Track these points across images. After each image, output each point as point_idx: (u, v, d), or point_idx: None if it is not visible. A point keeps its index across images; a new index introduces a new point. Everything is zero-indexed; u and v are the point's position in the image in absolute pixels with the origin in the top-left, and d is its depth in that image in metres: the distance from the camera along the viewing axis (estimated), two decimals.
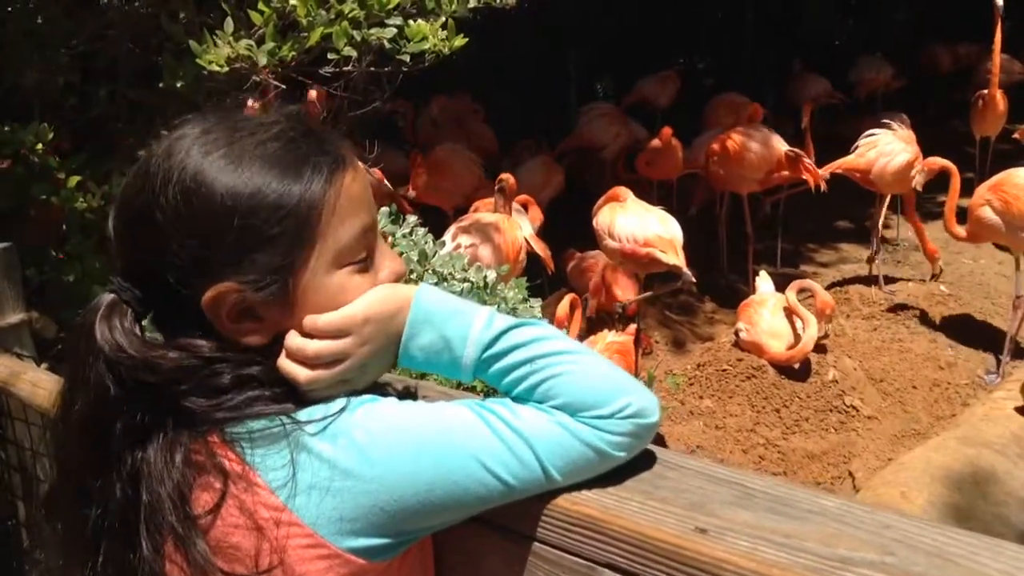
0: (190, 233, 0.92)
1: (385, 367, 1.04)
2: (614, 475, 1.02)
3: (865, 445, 3.91)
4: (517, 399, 0.99)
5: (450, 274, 2.63)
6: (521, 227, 4.34)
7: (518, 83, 7.74)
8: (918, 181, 5.10)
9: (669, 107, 7.44)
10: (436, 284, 2.56)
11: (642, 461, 1.05)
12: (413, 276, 2.48)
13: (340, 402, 0.94)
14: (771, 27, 9.79)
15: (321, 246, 0.95)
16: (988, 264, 6.02)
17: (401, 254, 2.64)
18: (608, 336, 4.31)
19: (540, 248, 4.68)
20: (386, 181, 5.13)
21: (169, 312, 0.96)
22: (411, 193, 5.10)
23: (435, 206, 5.29)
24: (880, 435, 4.01)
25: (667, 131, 5.75)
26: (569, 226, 5.38)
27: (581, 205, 4.18)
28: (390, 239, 2.68)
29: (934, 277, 5.56)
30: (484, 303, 2.46)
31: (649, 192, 6.12)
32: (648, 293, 4.00)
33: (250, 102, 3.38)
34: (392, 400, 0.97)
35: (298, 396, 0.96)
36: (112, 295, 0.96)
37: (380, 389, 1.06)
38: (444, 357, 1.00)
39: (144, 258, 0.95)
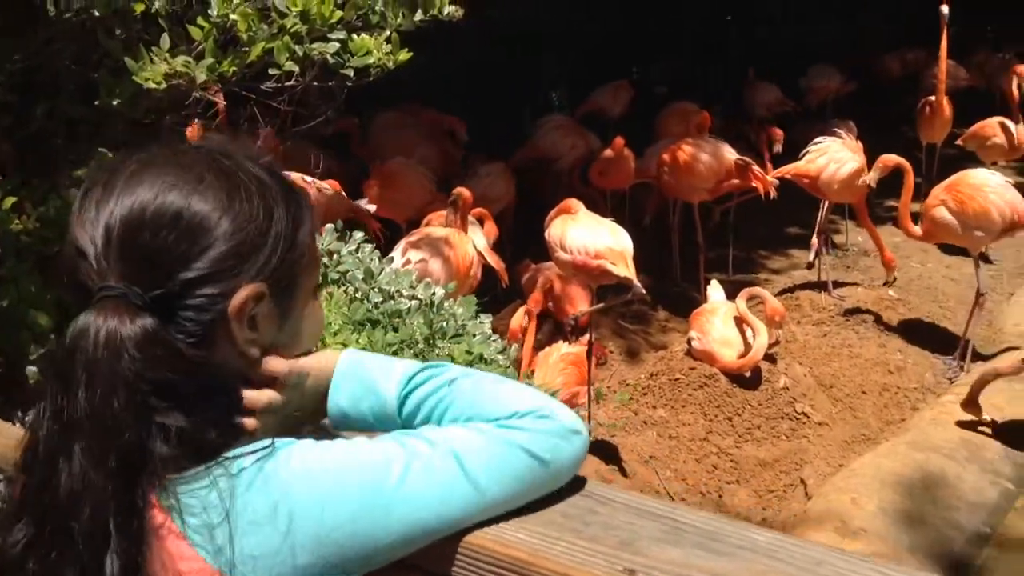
0: (235, 237, 0.94)
1: (312, 420, 1.08)
2: (545, 512, 1.01)
3: (816, 452, 3.94)
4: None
5: (397, 291, 2.61)
6: (474, 241, 4.33)
7: (471, 94, 7.72)
8: (872, 178, 5.16)
9: (623, 116, 7.48)
10: (383, 302, 2.53)
11: (573, 496, 1.05)
12: (358, 295, 2.45)
13: (264, 443, 0.93)
14: (724, 36, 9.90)
15: (313, 267, 1.04)
16: (936, 268, 6.11)
17: (347, 272, 2.61)
18: (562, 347, 4.31)
19: (494, 261, 4.67)
20: (343, 193, 5.09)
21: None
22: (372, 206, 5.06)
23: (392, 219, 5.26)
24: (831, 441, 4.04)
25: (619, 141, 5.77)
26: (525, 237, 5.38)
27: (536, 216, 4.18)
28: (335, 256, 2.65)
29: (887, 283, 5.64)
30: (431, 321, 2.44)
31: (602, 202, 6.15)
32: (600, 305, 4.00)
33: (193, 126, 3.34)
34: (310, 440, 0.97)
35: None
36: (117, 298, 0.90)
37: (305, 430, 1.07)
38: (369, 400, 1.03)
39: (161, 262, 0.92)
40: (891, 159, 5.16)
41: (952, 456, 3.94)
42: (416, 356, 2.20)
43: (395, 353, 2.14)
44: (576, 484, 1.05)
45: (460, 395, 1.01)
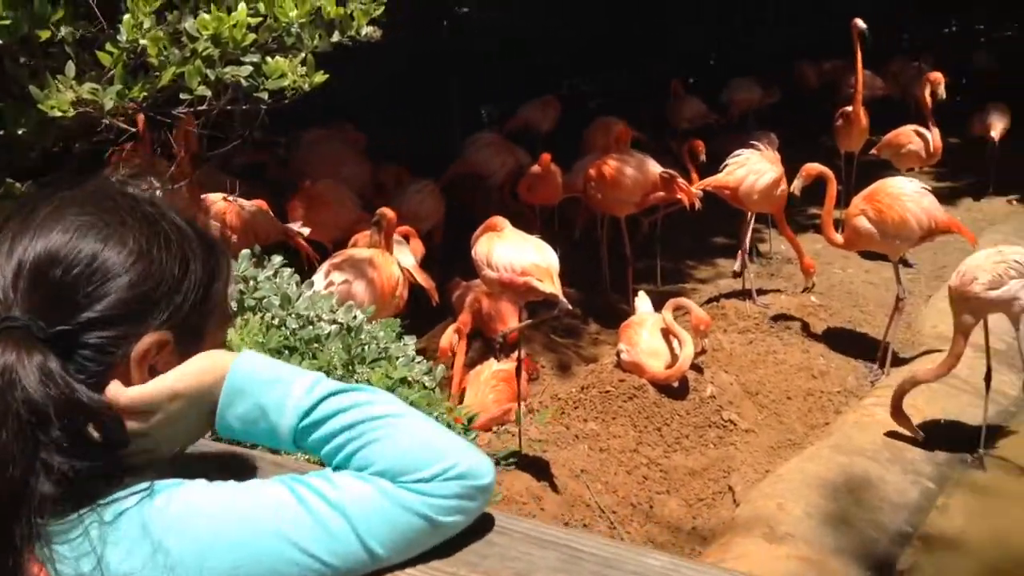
0: (147, 283, 0.94)
1: (197, 437, 1.04)
2: (444, 545, 1.01)
3: (743, 459, 4.00)
4: (338, 469, 0.99)
5: (317, 316, 2.58)
6: (400, 260, 4.31)
7: (399, 111, 7.72)
8: (796, 186, 5.28)
9: (552, 131, 7.55)
10: (301, 328, 2.50)
11: (473, 526, 1.04)
12: (275, 322, 2.42)
13: (142, 486, 0.91)
14: (651, 49, 10.06)
15: (222, 323, 1.03)
16: (856, 273, 6.27)
17: (264, 298, 2.57)
18: (493, 365, 4.32)
19: (423, 279, 4.66)
20: (271, 213, 5.02)
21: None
22: (305, 229, 5.00)
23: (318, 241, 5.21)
24: (757, 448, 4.11)
25: (546, 157, 5.82)
26: (455, 254, 5.36)
27: (467, 233, 4.17)
28: (251, 283, 2.61)
29: (806, 290, 5.77)
30: (349, 346, 2.42)
31: (532, 217, 6.19)
32: (528, 321, 4.01)
33: (120, 151, 3.27)
34: (199, 483, 0.95)
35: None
36: (18, 329, 0.89)
37: (196, 463, 1.03)
38: (261, 426, 0.99)
39: (67, 299, 0.91)
40: (814, 168, 5.29)
41: (875, 458, 4.04)
42: None
43: None
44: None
45: (368, 442, 0.97)
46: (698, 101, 8.22)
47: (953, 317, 4.12)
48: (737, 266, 6.02)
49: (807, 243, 6.32)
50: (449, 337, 4.17)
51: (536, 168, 5.92)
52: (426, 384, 2.65)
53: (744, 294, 5.74)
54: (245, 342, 2.11)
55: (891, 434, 4.16)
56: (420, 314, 4.97)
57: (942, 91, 6.40)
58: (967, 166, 8.31)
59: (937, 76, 6.51)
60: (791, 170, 5.38)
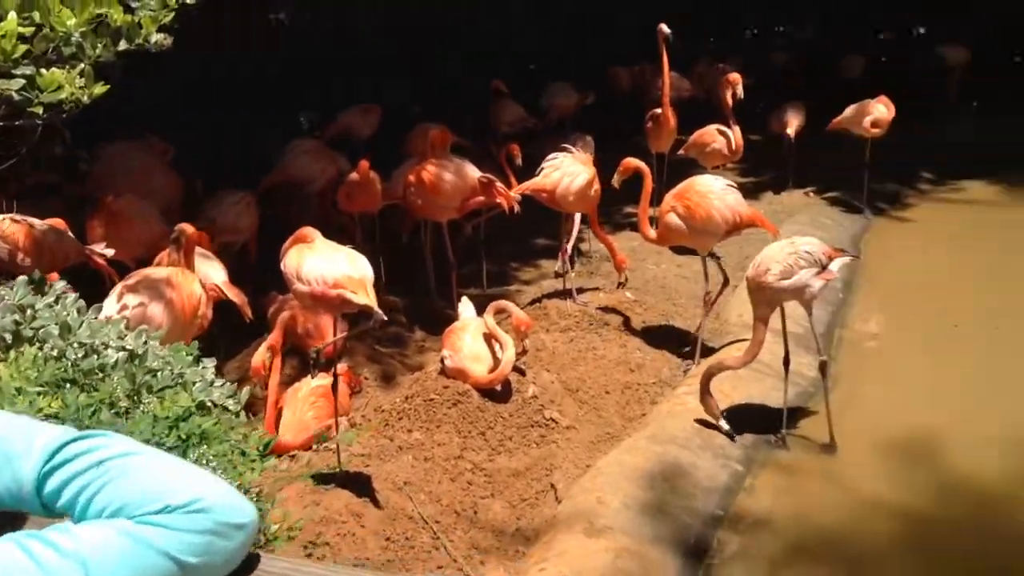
0: None
1: None
2: None
3: (565, 455, 4.08)
4: (81, 519, 0.94)
5: (103, 344, 2.43)
6: (210, 276, 4.15)
7: (211, 119, 7.44)
8: (616, 180, 5.44)
9: (374, 137, 7.48)
10: (83, 357, 2.35)
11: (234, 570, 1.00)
12: (54, 353, 2.26)
13: None
14: (471, 55, 10.14)
15: None
16: (669, 268, 6.54)
17: (41, 328, 2.40)
18: (312, 381, 4.21)
19: (234, 294, 4.50)
20: (70, 233, 4.72)
21: None
22: (109, 251, 4.71)
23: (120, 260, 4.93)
24: (578, 444, 4.20)
25: (364, 164, 5.75)
26: (271, 267, 5.20)
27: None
28: (29, 311, 2.43)
29: (620, 286, 5.97)
30: (134, 375, 2.29)
31: (353, 225, 6.11)
32: (342, 335, 3.94)
33: None
34: None
35: None
36: None
37: None
38: (5, 474, 0.94)
39: None
40: (632, 162, 5.47)
41: (687, 445, 4.21)
42: (119, 415, 2.06)
43: (93, 415, 1.98)
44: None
45: (110, 480, 0.93)
46: (518, 105, 8.37)
47: (752, 306, 4.36)
48: (559, 267, 6.16)
49: (624, 240, 6.55)
50: (262, 355, 4.05)
51: (354, 175, 5.84)
52: (229, 407, 2.55)
53: (565, 293, 5.87)
54: (15, 378, 1.96)
55: (702, 421, 4.35)
56: (236, 330, 4.81)
57: (740, 91, 6.75)
58: (768, 162, 8.86)
59: (735, 77, 6.87)
60: (607, 171, 5.55)
